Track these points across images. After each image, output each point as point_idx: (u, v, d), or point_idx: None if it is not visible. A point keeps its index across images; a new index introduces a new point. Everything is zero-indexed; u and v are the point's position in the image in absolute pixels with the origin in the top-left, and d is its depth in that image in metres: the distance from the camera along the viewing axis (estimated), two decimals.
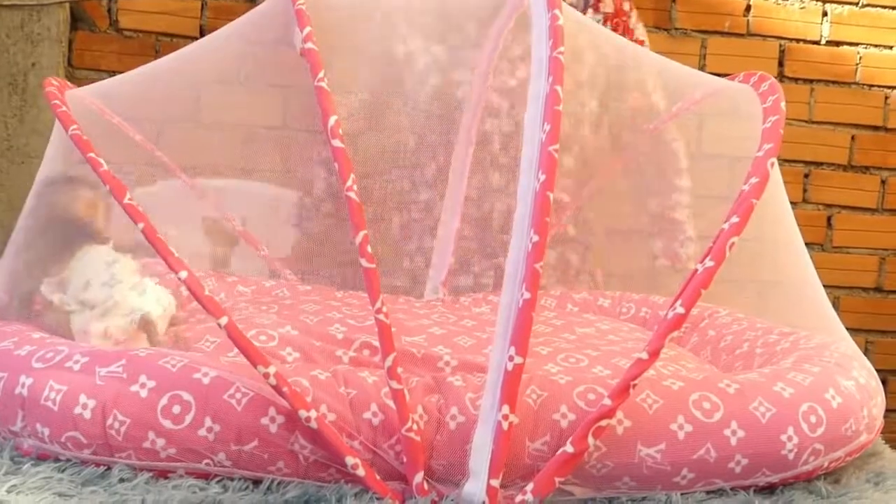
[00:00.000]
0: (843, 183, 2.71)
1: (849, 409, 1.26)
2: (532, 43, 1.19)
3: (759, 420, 1.19)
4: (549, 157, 1.12)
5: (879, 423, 1.36)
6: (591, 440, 1.11)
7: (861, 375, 1.34)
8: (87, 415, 1.13)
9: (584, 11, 2.17)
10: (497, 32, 1.72)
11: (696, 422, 1.17)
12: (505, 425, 1.10)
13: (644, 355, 1.12)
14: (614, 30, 2.20)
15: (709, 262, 1.16)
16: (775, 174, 1.28)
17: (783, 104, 1.34)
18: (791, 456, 1.20)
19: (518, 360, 1.09)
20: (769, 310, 1.65)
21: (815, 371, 1.30)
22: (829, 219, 2.71)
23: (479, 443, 1.12)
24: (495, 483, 1.10)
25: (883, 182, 2.73)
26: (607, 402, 1.11)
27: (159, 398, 1.12)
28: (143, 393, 1.13)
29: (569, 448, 1.11)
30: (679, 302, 1.14)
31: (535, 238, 1.10)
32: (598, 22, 2.16)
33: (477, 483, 1.11)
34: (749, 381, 1.25)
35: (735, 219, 1.17)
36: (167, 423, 1.12)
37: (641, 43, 2.25)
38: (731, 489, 1.19)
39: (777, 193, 1.40)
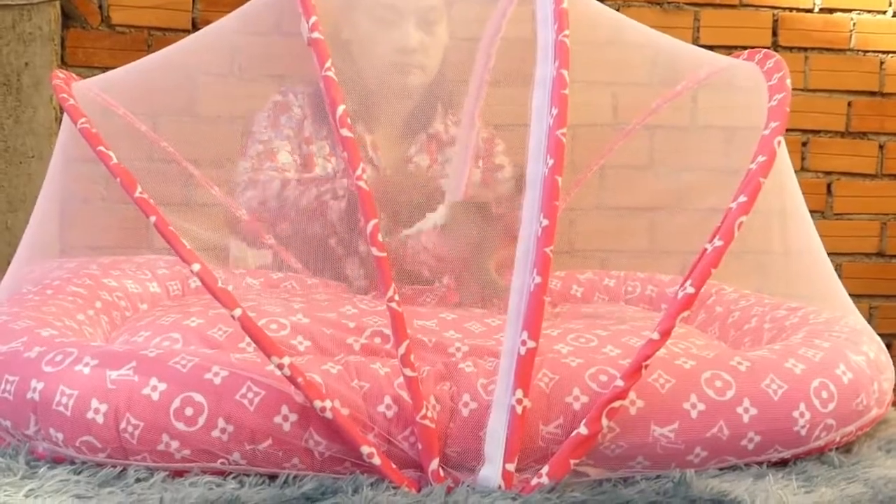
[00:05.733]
0: (842, 150, 2.71)
1: (859, 385, 1.27)
2: (536, 27, 1.19)
3: (771, 397, 1.20)
4: (557, 141, 1.12)
5: (889, 397, 1.37)
6: (604, 421, 1.12)
7: (871, 350, 1.34)
8: (100, 419, 1.12)
9: None
10: (500, 14, 1.71)
11: (708, 400, 1.18)
12: (519, 409, 1.10)
13: (655, 335, 1.13)
14: None
15: (718, 242, 1.16)
16: (781, 150, 1.29)
17: (788, 81, 1.35)
18: (803, 432, 1.21)
19: (531, 344, 1.10)
20: (775, 281, 1.65)
21: (825, 347, 1.30)
22: (828, 186, 2.71)
23: (493, 428, 1.12)
24: (511, 467, 1.11)
25: (881, 147, 2.73)
26: (620, 383, 1.12)
27: (171, 400, 1.12)
28: (155, 396, 1.13)
29: (583, 430, 1.12)
30: (689, 282, 1.15)
31: (545, 222, 1.11)
32: None
33: (492, 468, 1.12)
34: (760, 358, 1.25)
35: (743, 198, 1.18)
36: (180, 426, 1.12)
37: None
38: (745, 465, 1.20)
39: (782, 165, 1.41)
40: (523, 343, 1.10)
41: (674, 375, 1.19)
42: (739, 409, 1.18)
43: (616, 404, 1.12)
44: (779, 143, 1.24)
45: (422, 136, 1.96)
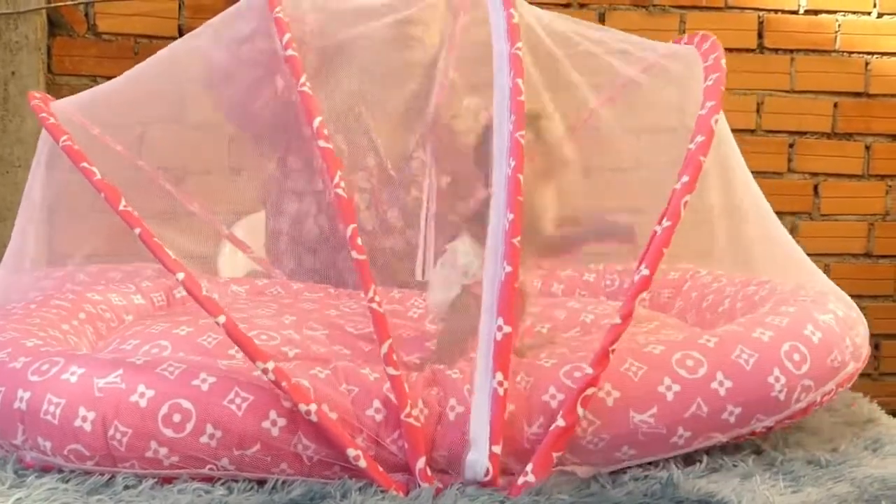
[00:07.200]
0: (828, 151, 2.72)
1: (831, 342, 1.29)
2: (492, 38, 1.26)
3: (743, 367, 1.22)
4: (516, 143, 1.19)
5: (866, 351, 1.39)
6: (580, 410, 1.14)
7: (838, 308, 1.37)
8: (88, 427, 1.13)
9: None
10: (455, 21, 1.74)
11: (682, 380, 1.19)
12: (500, 391, 1.13)
13: (617, 320, 1.15)
14: None
15: (666, 223, 1.19)
16: (723, 131, 1.32)
17: (723, 61, 1.38)
18: (781, 396, 1.23)
19: (506, 329, 1.13)
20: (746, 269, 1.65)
21: (791, 311, 1.33)
22: (815, 187, 2.71)
23: (477, 411, 1.14)
24: (497, 449, 1.13)
25: (867, 148, 2.73)
26: (589, 370, 1.14)
27: (159, 407, 1.13)
28: (143, 402, 1.13)
29: (560, 422, 1.14)
30: (643, 265, 1.18)
31: (511, 216, 1.15)
32: None
33: (479, 451, 1.13)
34: (728, 331, 1.28)
35: (685, 178, 1.21)
36: (168, 432, 1.12)
37: None
38: (730, 461, 1.21)
39: (729, 150, 1.44)
40: (499, 329, 1.13)
41: (645, 362, 1.20)
42: (714, 384, 1.20)
43: (589, 392, 1.14)
44: (716, 121, 1.27)
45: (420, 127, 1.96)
